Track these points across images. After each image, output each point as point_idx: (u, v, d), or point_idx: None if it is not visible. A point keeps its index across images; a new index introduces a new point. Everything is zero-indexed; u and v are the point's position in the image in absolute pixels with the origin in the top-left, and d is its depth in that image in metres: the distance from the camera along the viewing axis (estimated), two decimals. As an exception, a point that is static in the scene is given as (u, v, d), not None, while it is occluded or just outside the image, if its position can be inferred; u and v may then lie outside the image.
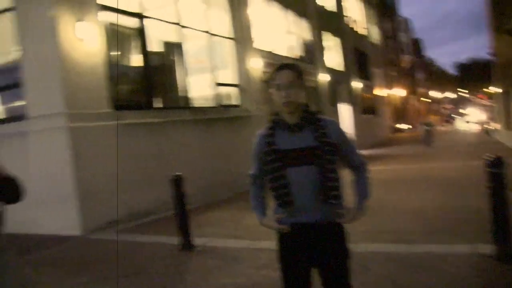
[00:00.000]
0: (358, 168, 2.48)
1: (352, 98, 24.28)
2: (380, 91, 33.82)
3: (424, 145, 22.70)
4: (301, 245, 2.35)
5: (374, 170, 11.82)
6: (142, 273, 5.05)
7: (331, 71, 21.04)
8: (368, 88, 29.70)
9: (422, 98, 68.71)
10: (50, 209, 7.45)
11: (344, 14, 25.59)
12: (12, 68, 8.29)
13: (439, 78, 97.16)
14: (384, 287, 4.00)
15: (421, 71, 72.41)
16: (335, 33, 22.85)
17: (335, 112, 20.84)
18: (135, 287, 4.66)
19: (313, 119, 2.35)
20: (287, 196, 2.29)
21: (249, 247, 5.60)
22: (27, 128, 7.71)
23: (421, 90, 68.88)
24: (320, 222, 2.31)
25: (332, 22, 22.47)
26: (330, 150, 2.29)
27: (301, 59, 17.81)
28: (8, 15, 7.97)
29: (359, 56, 27.45)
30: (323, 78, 19.37)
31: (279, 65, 2.38)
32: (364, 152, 21.80)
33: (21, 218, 7.80)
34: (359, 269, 4.45)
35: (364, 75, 28.66)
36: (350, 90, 24.27)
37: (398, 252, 4.94)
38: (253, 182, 2.55)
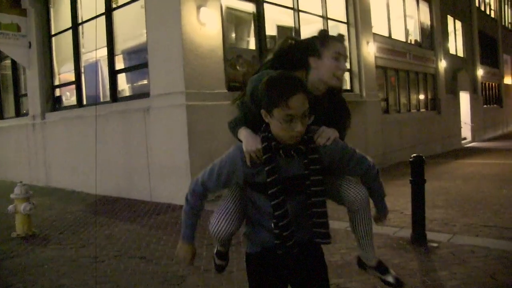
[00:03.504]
0: (366, 173, 2.15)
1: (473, 87, 22.78)
2: (510, 80, 31.21)
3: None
4: (275, 263, 2.08)
5: (483, 163, 11.17)
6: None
7: (452, 57, 19.88)
8: (495, 76, 27.55)
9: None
10: (167, 179, 8.14)
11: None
12: (139, 51, 9.10)
13: None
14: (480, 280, 3.86)
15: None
16: (460, 16, 21.45)
17: (454, 101, 19.76)
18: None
19: (306, 139, 1.90)
20: (287, 229, 1.93)
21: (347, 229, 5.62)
22: (150, 105, 8.42)
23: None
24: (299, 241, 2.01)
25: (457, 4, 21.13)
26: (319, 181, 1.92)
27: (419, 44, 17.12)
28: (139, 2, 8.73)
29: (486, 41, 25.46)
30: (443, 65, 18.42)
31: (289, 89, 1.77)
32: (480, 144, 20.42)
33: (141, 187, 8.64)
34: (456, 260, 4.40)
35: (491, 62, 26.60)
36: (472, 78, 22.76)
37: (501, 248, 4.68)
38: (201, 196, 2.22)
